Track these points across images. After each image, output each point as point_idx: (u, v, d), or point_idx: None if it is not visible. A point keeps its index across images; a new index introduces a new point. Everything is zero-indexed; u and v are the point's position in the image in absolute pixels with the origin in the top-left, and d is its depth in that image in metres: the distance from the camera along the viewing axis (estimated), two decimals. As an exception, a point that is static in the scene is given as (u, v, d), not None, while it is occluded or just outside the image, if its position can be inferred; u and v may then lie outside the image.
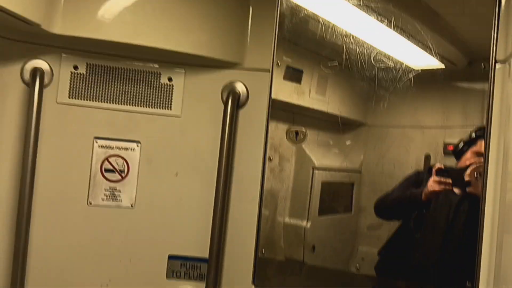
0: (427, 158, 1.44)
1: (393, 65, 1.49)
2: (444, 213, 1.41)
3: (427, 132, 1.45)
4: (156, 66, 1.98)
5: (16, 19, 1.59)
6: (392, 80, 1.48)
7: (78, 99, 1.93)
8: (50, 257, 1.92)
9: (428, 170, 1.44)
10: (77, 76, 1.93)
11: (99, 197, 1.96)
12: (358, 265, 1.51)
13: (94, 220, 1.96)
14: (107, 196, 1.97)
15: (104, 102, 1.95)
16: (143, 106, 1.98)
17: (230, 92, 1.96)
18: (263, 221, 1.66)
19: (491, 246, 1.34)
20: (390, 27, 1.50)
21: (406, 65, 1.47)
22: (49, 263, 1.92)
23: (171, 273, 2.01)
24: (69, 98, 1.92)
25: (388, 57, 1.50)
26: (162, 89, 1.99)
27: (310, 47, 1.64)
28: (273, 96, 1.67)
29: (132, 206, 1.99)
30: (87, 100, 1.94)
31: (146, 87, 1.98)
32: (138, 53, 1.94)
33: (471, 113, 1.39)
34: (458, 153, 1.42)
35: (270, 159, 1.67)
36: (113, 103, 1.96)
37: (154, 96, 1.98)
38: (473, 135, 1.40)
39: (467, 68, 1.42)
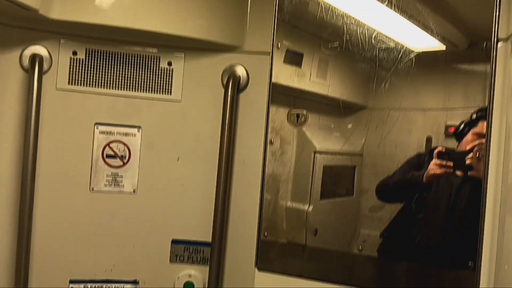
0: (429, 140, 1.44)
1: (394, 45, 1.47)
2: (446, 195, 1.41)
3: (428, 114, 1.44)
4: (155, 50, 1.97)
5: (13, 4, 1.57)
6: (393, 60, 1.47)
7: (77, 85, 1.92)
8: (54, 243, 1.93)
9: (429, 152, 1.44)
10: (76, 62, 1.92)
11: (101, 183, 1.97)
12: (360, 247, 1.52)
13: (97, 206, 1.96)
14: (109, 181, 1.97)
15: (104, 87, 1.94)
16: (143, 91, 1.97)
17: (230, 76, 1.95)
18: (265, 204, 1.66)
19: (493, 227, 1.34)
20: (391, 8, 1.48)
21: (407, 46, 1.46)
22: (52, 250, 1.93)
23: (175, 257, 2.02)
24: (69, 84, 1.92)
25: (389, 38, 1.49)
26: (162, 73, 1.98)
27: (310, 29, 1.62)
28: (273, 79, 1.66)
29: (134, 191, 1.99)
30: (86, 86, 1.93)
31: (146, 72, 1.97)
32: (137, 37, 1.93)
33: (472, 94, 1.39)
34: (459, 135, 1.41)
35: (271, 142, 1.66)
36: (113, 88, 1.95)
37: (154, 81, 1.98)
38: (474, 116, 1.39)
39: (469, 49, 1.41)
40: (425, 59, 1.45)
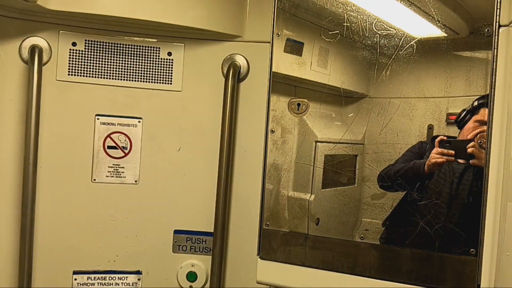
0: (430, 128, 1.44)
1: (395, 32, 1.47)
2: (448, 182, 1.41)
3: (429, 101, 1.44)
4: (155, 41, 1.96)
5: (11, -4, 1.57)
6: (394, 47, 1.46)
7: (77, 76, 1.92)
8: (57, 235, 1.94)
9: (431, 140, 1.43)
10: (76, 53, 1.91)
11: (103, 174, 1.97)
12: (362, 236, 1.52)
13: (99, 197, 1.97)
14: (110, 173, 1.97)
15: (104, 78, 1.94)
16: (143, 82, 1.97)
17: (230, 65, 1.94)
18: (267, 194, 1.66)
19: (495, 214, 1.34)
20: (392, -5, 1.47)
21: (408, 33, 1.45)
22: (55, 241, 1.94)
23: (177, 247, 2.03)
24: (69, 75, 1.91)
25: (390, 25, 1.48)
26: (162, 64, 1.97)
27: (310, 17, 1.61)
28: (274, 68, 1.65)
29: (136, 182, 2.00)
30: (86, 77, 1.93)
31: (146, 63, 1.96)
32: (137, 28, 1.92)
33: (474, 81, 1.38)
34: (460, 122, 1.41)
35: (272, 132, 1.66)
36: (113, 79, 1.95)
37: (154, 71, 1.97)
38: (475, 103, 1.38)
39: (470, 36, 1.40)
40: (427, 46, 1.44)
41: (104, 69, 1.94)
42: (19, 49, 1.86)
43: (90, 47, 1.92)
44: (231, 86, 1.91)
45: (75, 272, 1.97)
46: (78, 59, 1.91)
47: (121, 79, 1.95)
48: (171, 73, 1.98)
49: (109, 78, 1.94)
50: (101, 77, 1.94)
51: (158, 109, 1.99)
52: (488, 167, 1.35)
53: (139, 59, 1.96)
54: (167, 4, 1.82)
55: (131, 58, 1.95)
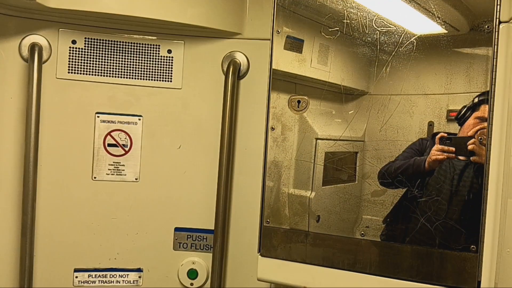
0: (431, 125, 1.43)
1: (395, 29, 1.46)
2: (448, 179, 1.41)
3: (430, 98, 1.44)
4: (155, 38, 1.96)
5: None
6: (394, 44, 1.46)
7: (77, 74, 1.92)
8: (57, 232, 1.95)
9: (432, 137, 1.43)
10: (76, 51, 1.91)
11: (103, 172, 1.97)
12: (363, 233, 1.52)
13: (100, 195, 1.97)
14: (111, 170, 1.98)
15: (104, 76, 1.94)
16: (143, 80, 1.97)
17: (230, 63, 1.94)
18: (267, 191, 1.66)
19: (495, 211, 1.34)
20: (392, -9, 1.47)
21: (408, 30, 1.45)
22: (56, 239, 1.94)
23: (178, 245, 2.03)
24: (69, 73, 1.91)
25: (390, 22, 1.47)
26: (162, 61, 1.97)
27: (310, 14, 1.61)
28: (274, 66, 1.65)
29: (136, 180, 2.00)
30: (86, 74, 1.92)
31: (146, 60, 1.96)
32: (136, 25, 1.92)
33: (474, 78, 1.38)
34: (460, 119, 1.40)
35: (272, 129, 1.66)
36: (113, 77, 1.95)
37: (154, 69, 1.97)
38: (476, 100, 1.38)
39: (470, 32, 1.39)
40: (427, 43, 1.44)
41: (104, 67, 1.94)
42: (19, 47, 1.86)
43: (90, 45, 1.92)
44: (231, 83, 1.91)
45: (76, 270, 1.97)
46: (78, 57, 1.91)
47: (121, 77, 1.95)
48: (171, 70, 1.98)
49: (109, 76, 1.94)
50: (101, 75, 1.94)
51: (158, 106, 1.99)
52: (489, 164, 1.35)
53: (139, 57, 1.96)
54: (166, 2, 1.82)
55: (131, 56, 1.95)
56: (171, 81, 1.98)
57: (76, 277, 1.97)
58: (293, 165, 1.64)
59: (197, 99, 2.00)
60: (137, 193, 2.00)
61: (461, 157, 1.39)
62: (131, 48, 1.95)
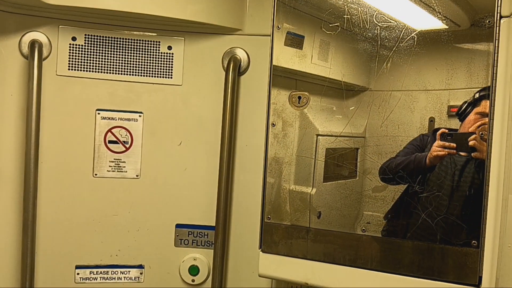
0: (432, 121, 1.43)
1: (395, 24, 1.46)
2: (450, 174, 1.41)
3: (431, 94, 1.44)
4: (155, 35, 1.96)
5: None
6: (395, 39, 1.46)
7: (77, 70, 1.92)
8: (59, 229, 1.95)
9: (433, 133, 1.43)
10: (76, 48, 1.91)
11: (104, 169, 1.97)
12: (364, 228, 1.52)
13: (101, 192, 1.97)
14: (112, 167, 1.98)
15: (104, 73, 1.93)
16: (144, 76, 1.97)
17: (231, 59, 1.94)
18: (268, 187, 1.67)
19: (496, 206, 1.35)
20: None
21: (408, 25, 1.45)
22: (57, 236, 1.95)
23: (179, 241, 2.03)
24: (69, 70, 1.91)
25: (391, 17, 1.47)
26: (162, 58, 1.97)
27: (311, 10, 1.61)
28: (274, 62, 1.65)
29: (137, 176, 2.00)
30: (86, 71, 1.92)
31: (146, 57, 1.96)
32: (136, 22, 1.91)
33: (475, 73, 1.37)
34: (461, 115, 1.40)
35: (273, 125, 1.66)
36: (113, 74, 1.94)
37: (154, 65, 1.97)
38: (477, 95, 1.38)
39: (471, 27, 1.39)
40: (427, 38, 1.43)
41: (104, 64, 1.93)
42: (19, 44, 1.85)
43: (90, 42, 1.92)
44: (232, 79, 1.90)
45: (77, 267, 1.97)
46: (78, 53, 1.91)
47: (121, 74, 1.95)
48: (171, 67, 1.98)
49: (109, 73, 1.94)
50: (101, 72, 1.93)
51: (158, 103, 1.99)
52: (490, 159, 1.35)
53: (139, 53, 1.95)
54: (166, -2, 1.82)
55: (131, 52, 1.95)
56: (171, 77, 1.98)
57: (78, 273, 1.97)
58: (294, 161, 1.64)
59: (197, 95, 1.99)
60: (138, 189, 2.00)
61: (462, 153, 1.39)
62: (131, 45, 1.95)
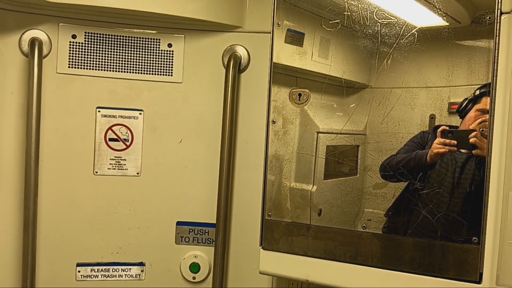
0: (432, 118, 1.43)
1: (396, 20, 1.46)
2: (450, 171, 1.41)
3: (431, 91, 1.43)
4: (155, 32, 1.96)
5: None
6: (395, 36, 1.46)
7: (77, 68, 1.92)
8: (60, 227, 1.95)
9: (433, 130, 1.43)
10: (76, 45, 1.91)
11: (104, 167, 1.97)
12: (364, 225, 1.52)
13: (101, 190, 1.97)
14: (112, 165, 1.98)
15: (104, 70, 1.93)
16: (144, 74, 1.97)
17: (231, 56, 1.94)
18: (269, 185, 1.67)
19: (497, 203, 1.35)
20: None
21: (409, 22, 1.45)
22: (58, 234, 1.95)
23: (180, 239, 2.04)
24: (69, 67, 1.91)
25: (391, 14, 1.47)
26: (162, 55, 1.97)
27: (311, 7, 1.60)
28: (274, 59, 1.65)
29: (138, 174, 2.00)
30: (87, 69, 1.92)
31: (146, 55, 1.96)
32: (137, 19, 1.91)
33: (476, 70, 1.37)
34: (462, 112, 1.40)
35: (273, 122, 1.66)
36: (113, 71, 1.94)
37: (154, 63, 1.97)
38: (477, 92, 1.38)
39: (472, 24, 1.39)
40: (428, 35, 1.43)
41: (104, 61, 1.93)
42: (19, 42, 1.85)
43: (90, 40, 1.92)
44: (232, 77, 1.90)
45: (78, 264, 1.98)
46: (78, 51, 1.91)
47: (121, 71, 1.95)
48: (172, 64, 1.98)
49: (110, 70, 1.94)
50: (101, 70, 1.93)
51: (159, 101, 1.99)
52: (490, 156, 1.35)
53: (139, 51, 1.95)
54: (166, -5, 1.81)
55: (131, 50, 1.95)
56: (171, 75, 1.98)
57: (79, 271, 1.97)
58: (294, 158, 1.64)
59: (197, 93, 1.99)
60: (138, 187, 2.00)
61: (462, 150, 1.39)
62: (131, 42, 1.95)
